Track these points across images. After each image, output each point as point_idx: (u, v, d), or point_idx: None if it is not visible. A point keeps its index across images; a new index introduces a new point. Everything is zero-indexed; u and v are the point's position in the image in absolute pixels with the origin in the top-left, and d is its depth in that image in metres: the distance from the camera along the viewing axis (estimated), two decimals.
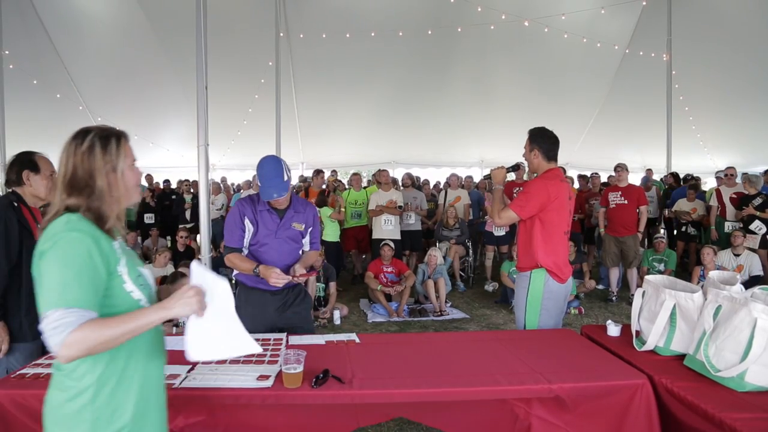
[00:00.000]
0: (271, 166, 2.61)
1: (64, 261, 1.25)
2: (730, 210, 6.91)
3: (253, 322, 2.66)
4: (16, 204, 2.40)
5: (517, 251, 3.13)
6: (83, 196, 1.34)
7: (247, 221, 2.68)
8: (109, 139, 1.38)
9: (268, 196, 2.60)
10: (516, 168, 3.27)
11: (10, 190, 2.49)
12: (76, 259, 1.26)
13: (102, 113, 12.20)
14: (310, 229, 2.82)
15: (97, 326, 1.23)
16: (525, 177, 7.64)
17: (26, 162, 2.46)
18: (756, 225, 6.49)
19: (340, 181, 10.22)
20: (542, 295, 2.83)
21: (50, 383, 1.36)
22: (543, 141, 2.90)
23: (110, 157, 1.37)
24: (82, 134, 1.37)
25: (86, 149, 1.35)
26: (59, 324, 1.20)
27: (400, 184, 8.09)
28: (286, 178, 2.61)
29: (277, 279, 2.51)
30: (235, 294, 1.89)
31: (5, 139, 8.42)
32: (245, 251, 2.71)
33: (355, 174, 8.33)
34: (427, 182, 10.65)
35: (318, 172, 8.02)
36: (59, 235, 1.27)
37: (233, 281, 2.93)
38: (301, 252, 2.81)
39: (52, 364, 1.37)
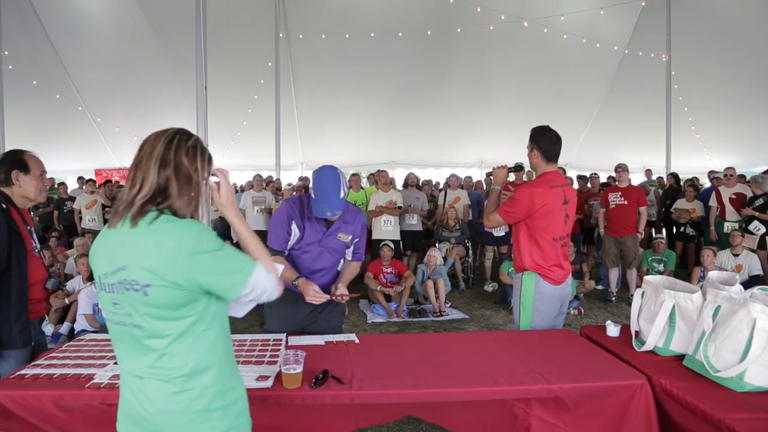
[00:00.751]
0: (331, 181, 2.39)
1: (224, 247, 1.36)
2: (729, 210, 6.91)
3: (282, 324, 2.61)
4: (4, 206, 2.23)
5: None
6: (189, 195, 1.37)
7: (294, 226, 2.53)
8: (206, 150, 1.44)
9: (321, 213, 2.41)
10: (519, 168, 3.23)
11: None
12: (223, 242, 1.39)
13: (101, 113, 12.21)
14: (356, 240, 2.67)
15: (269, 267, 1.47)
16: (524, 178, 7.63)
17: (15, 161, 2.31)
18: (754, 225, 6.49)
19: None
20: (533, 296, 2.84)
21: (160, 394, 1.33)
22: (542, 141, 2.86)
23: (203, 165, 1.41)
24: (186, 133, 1.40)
25: (191, 147, 1.38)
26: (268, 274, 1.41)
27: (402, 184, 8.07)
28: (342, 194, 2.42)
29: (314, 297, 2.41)
30: None
31: (5, 140, 8.41)
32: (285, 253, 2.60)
33: (354, 174, 8.32)
34: (428, 182, 10.60)
35: None
36: (205, 233, 1.34)
37: None
38: (341, 261, 2.69)
39: (160, 375, 1.33)
